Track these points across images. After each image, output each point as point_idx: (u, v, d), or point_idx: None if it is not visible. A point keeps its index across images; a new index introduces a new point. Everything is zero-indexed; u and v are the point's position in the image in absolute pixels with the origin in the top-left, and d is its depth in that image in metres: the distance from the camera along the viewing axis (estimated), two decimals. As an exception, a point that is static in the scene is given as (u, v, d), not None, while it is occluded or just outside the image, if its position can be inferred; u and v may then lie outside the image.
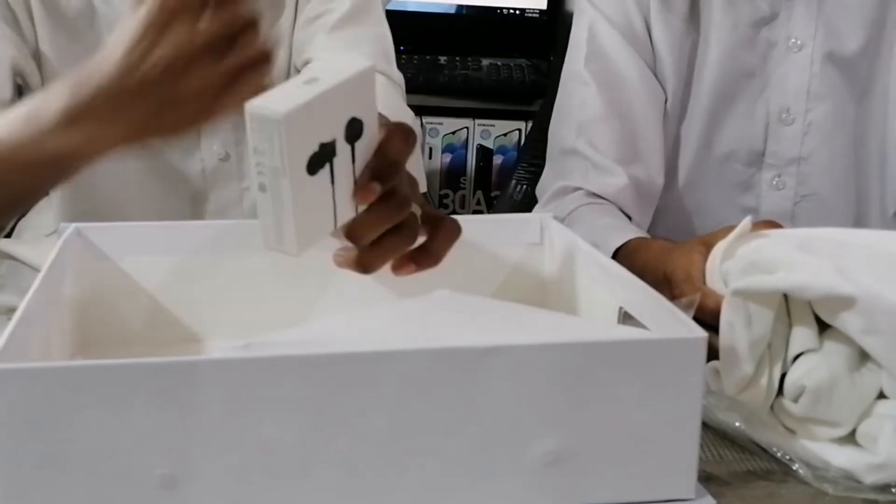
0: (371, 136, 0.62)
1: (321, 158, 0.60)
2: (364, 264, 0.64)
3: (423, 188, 1.19)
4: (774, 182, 1.16)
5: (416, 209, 0.66)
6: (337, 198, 0.61)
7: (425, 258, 0.66)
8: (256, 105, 0.57)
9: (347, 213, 0.63)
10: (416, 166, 1.16)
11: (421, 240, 0.67)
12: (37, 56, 1.02)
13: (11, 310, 0.62)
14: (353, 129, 0.61)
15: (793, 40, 1.12)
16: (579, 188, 1.15)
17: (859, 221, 1.16)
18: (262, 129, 0.57)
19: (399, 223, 0.63)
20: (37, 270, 1.04)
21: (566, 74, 1.20)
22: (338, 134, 0.60)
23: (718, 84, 1.15)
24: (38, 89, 1.02)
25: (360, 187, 0.62)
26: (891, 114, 1.13)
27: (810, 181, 1.15)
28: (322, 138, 0.59)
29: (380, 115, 0.64)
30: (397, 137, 0.62)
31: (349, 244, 0.64)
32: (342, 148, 0.61)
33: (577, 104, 1.17)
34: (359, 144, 0.62)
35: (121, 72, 0.63)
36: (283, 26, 1.12)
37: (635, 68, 1.15)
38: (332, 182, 0.61)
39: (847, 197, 1.16)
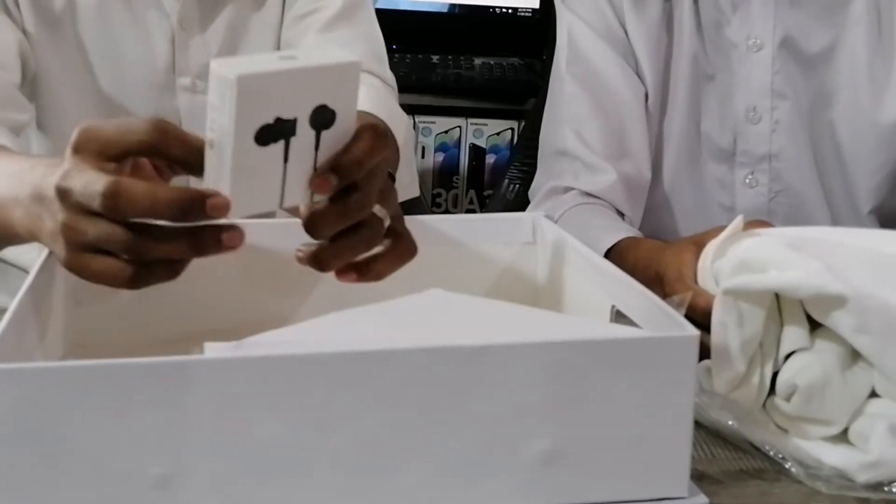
0: (345, 131, 0.62)
1: (275, 133, 0.59)
2: (319, 261, 0.64)
3: (415, 191, 1.20)
4: (748, 180, 1.17)
5: (385, 217, 0.65)
6: (289, 179, 0.61)
7: (368, 271, 0.66)
8: (219, 62, 0.58)
9: (299, 197, 0.62)
10: (409, 166, 1.17)
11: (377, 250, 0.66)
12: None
13: (1, 311, 0.62)
14: (322, 117, 0.60)
15: (752, 40, 1.13)
16: (571, 188, 1.16)
17: (833, 216, 1.17)
18: (218, 87, 0.57)
19: (360, 224, 0.63)
20: (23, 270, 1.05)
21: (552, 78, 1.22)
22: (301, 115, 0.60)
23: (690, 85, 1.16)
24: (32, 78, 1.03)
25: (316, 176, 0.61)
26: (839, 119, 1.14)
27: (783, 177, 1.17)
28: (280, 113, 0.59)
29: (366, 113, 0.64)
30: (366, 136, 0.62)
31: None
32: (305, 131, 0.60)
33: (564, 105, 1.18)
34: (328, 134, 0.61)
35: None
36: (267, 22, 1.12)
37: (615, 66, 1.16)
38: (286, 160, 0.61)
39: (817, 192, 1.17)
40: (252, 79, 0.57)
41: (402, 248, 0.67)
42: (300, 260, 0.65)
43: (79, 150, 0.60)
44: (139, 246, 0.59)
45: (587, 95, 1.16)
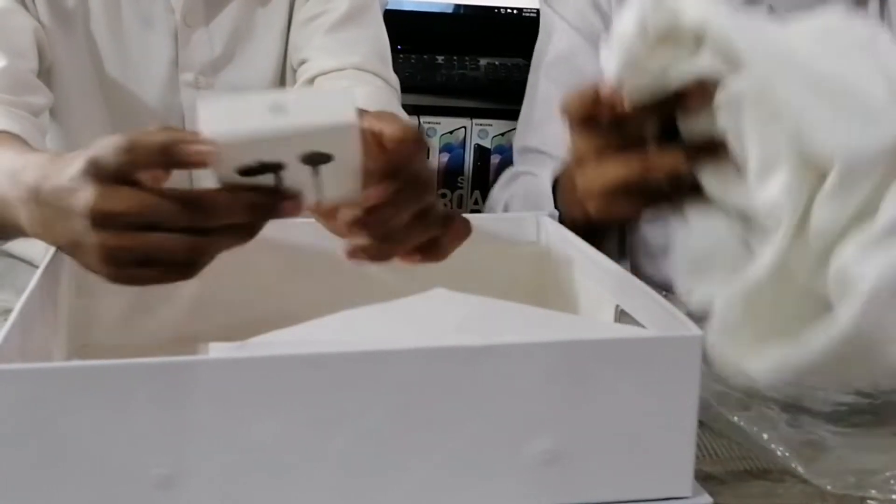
0: (349, 162, 0.61)
1: (260, 169, 0.60)
2: (376, 254, 0.65)
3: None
4: None
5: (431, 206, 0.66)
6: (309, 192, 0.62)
7: (431, 252, 0.68)
8: (206, 106, 0.57)
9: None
10: None
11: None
12: None
13: (7, 311, 0.62)
14: (317, 157, 0.60)
15: None
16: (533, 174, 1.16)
17: None
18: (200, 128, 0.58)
19: (419, 212, 0.64)
20: (32, 266, 1.05)
21: (530, 78, 1.22)
22: (288, 158, 0.60)
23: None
24: (48, 68, 1.04)
25: (372, 190, 0.63)
26: None
27: None
28: (262, 159, 0.59)
29: (391, 114, 0.65)
30: (408, 144, 0.63)
31: (357, 241, 0.65)
32: (297, 166, 0.60)
33: (537, 107, 1.19)
34: (328, 167, 0.61)
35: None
36: (273, 23, 1.12)
37: (597, 66, 1.15)
38: (280, 184, 0.61)
39: None
40: (228, 143, 0.57)
41: (459, 225, 0.68)
42: (351, 255, 0.65)
43: (98, 173, 0.59)
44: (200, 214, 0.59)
45: (562, 94, 1.16)
